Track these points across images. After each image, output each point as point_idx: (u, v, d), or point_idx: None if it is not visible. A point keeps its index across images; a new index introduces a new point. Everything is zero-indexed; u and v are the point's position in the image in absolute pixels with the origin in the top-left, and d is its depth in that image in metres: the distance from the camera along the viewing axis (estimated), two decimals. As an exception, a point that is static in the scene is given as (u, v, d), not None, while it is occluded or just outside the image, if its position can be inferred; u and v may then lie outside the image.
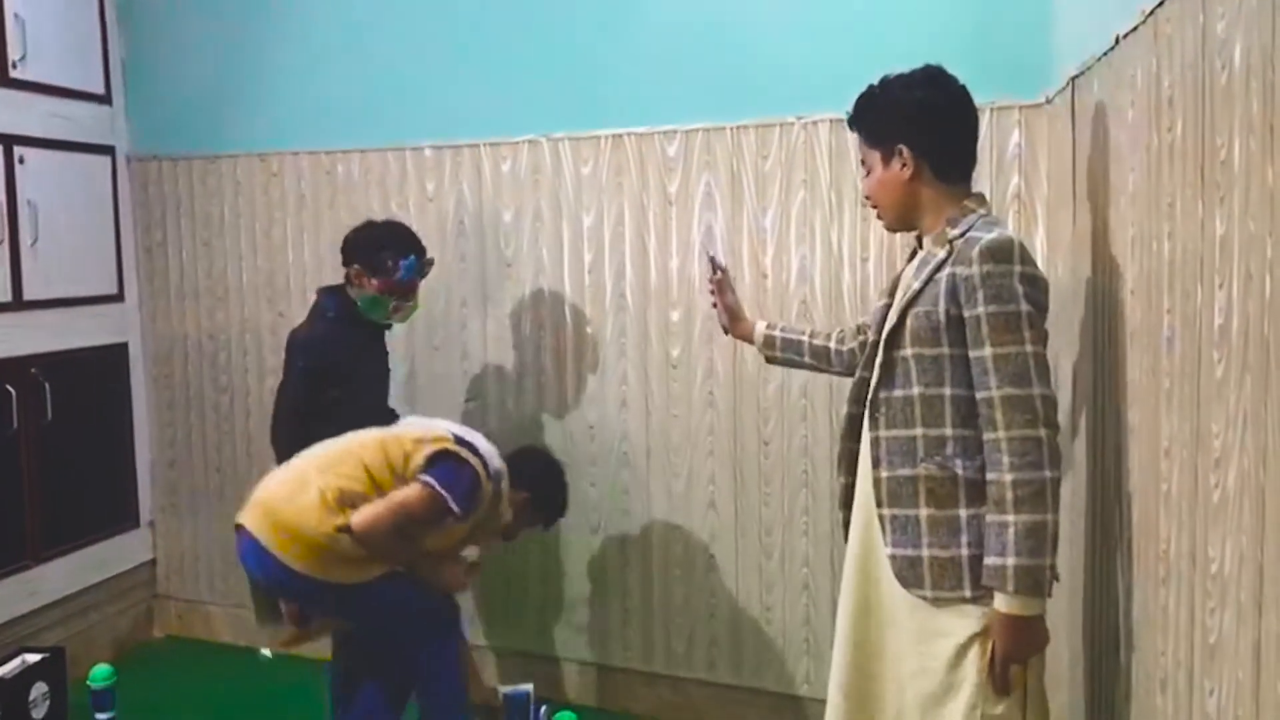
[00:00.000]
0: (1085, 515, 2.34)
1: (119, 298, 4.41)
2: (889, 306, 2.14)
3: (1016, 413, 1.88)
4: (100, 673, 3.63)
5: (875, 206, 2.19)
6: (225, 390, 4.40)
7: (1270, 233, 1.17)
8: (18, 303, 3.88)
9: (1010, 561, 1.86)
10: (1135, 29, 1.86)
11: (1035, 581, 1.86)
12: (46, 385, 3.99)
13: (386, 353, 3.53)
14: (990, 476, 1.92)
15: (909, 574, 2.02)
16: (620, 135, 3.63)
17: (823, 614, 3.47)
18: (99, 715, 3.61)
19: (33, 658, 3.66)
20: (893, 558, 2.04)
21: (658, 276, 3.61)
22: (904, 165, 2.09)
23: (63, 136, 4.11)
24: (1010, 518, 1.87)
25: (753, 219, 3.48)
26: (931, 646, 2.00)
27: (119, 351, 4.43)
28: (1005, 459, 1.88)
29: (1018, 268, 1.91)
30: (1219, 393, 1.37)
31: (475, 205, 3.88)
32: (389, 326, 3.46)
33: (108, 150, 4.35)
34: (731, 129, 3.48)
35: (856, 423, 2.20)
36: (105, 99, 4.34)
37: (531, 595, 3.93)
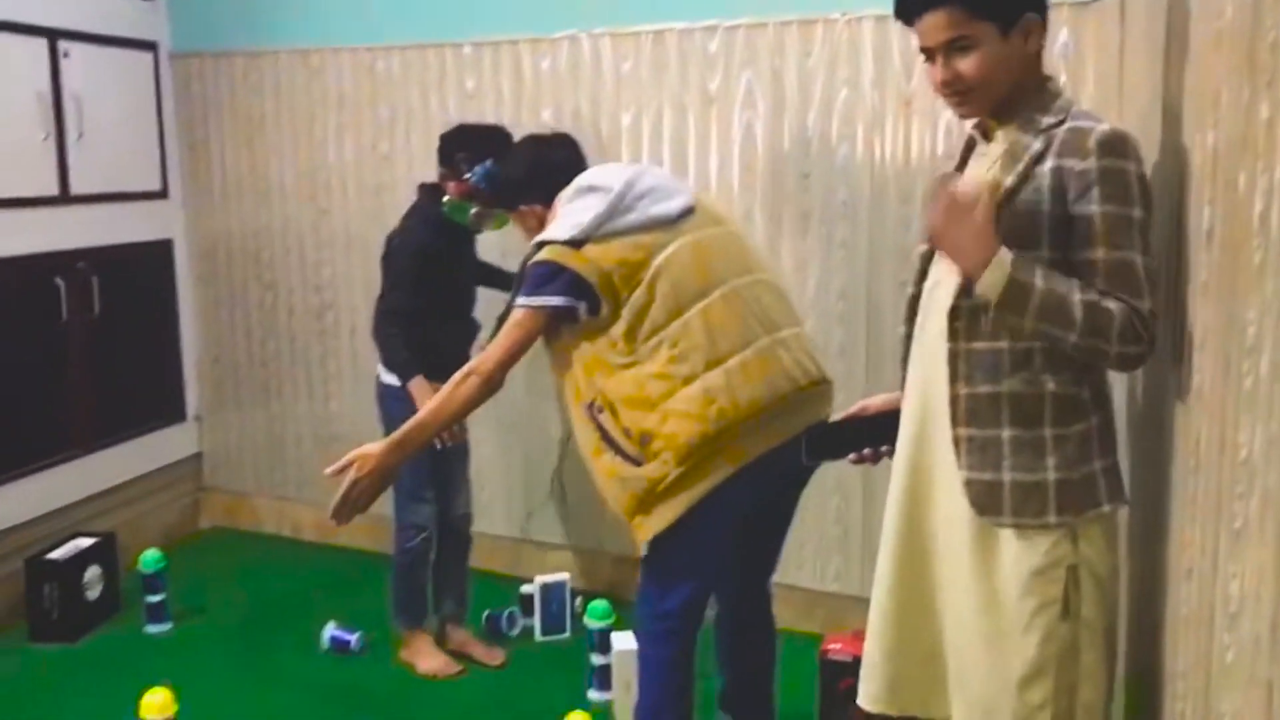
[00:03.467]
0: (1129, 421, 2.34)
1: (163, 194, 4.45)
2: None
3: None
4: (151, 558, 3.75)
5: (967, 92, 1.82)
6: (270, 287, 4.45)
7: (1314, 114, 1.16)
8: (65, 197, 3.94)
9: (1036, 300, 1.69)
10: (1185, -84, 1.81)
11: (1018, 301, 1.70)
12: (94, 279, 4.05)
13: (477, 262, 3.48)
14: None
15: (986, 500, 1.80)
16: (661, 31, 3.59)
17: (853, 511, 3.51)
18: (149, 598, 3.73)
19: (86, 542, 3.78)
20: (969, 483, 1.81)
21: (696, 176, 3.59)
22: (1029, 36, 1.80)
23: (106, 31, 4.12)
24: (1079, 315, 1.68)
25: (794, 118, 3.45)
26: (999, 579, 1.81)
27: (164, 248, 4.49)
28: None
29: (1133, 166, 1.71)
30: (1257, 282, 1.36)
31: (514, 103, 3.86)
32: (478, 230, 3.35)
33: (150, 46, 4.36)
34: (774, 24, 3.43)
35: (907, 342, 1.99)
36: (147, -7, 4.34)
37: (571, 490, 3.99)
